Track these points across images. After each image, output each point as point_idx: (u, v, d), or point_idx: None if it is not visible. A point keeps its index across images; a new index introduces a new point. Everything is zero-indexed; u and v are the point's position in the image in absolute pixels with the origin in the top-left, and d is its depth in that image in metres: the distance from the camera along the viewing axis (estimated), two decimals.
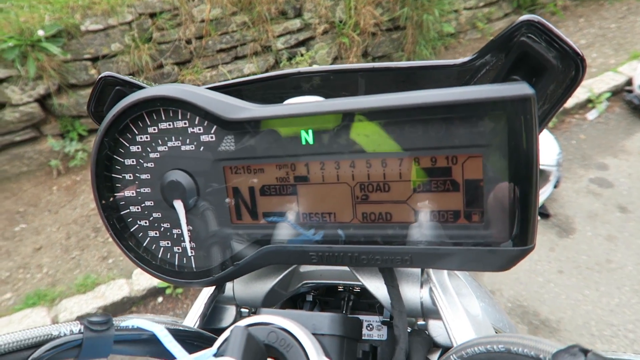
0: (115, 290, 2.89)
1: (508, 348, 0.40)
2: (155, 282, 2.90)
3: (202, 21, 4.38)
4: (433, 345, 0.60)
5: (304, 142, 0.52)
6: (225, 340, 0.45)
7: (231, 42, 4.57)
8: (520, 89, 0.43)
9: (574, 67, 0.46)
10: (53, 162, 4.13)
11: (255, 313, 0.73)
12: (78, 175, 4.20)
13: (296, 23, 4.82)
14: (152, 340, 0.46)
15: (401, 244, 0.51)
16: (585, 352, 0.32)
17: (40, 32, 3.74)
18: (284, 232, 0.56)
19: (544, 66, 0.47)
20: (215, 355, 0.44)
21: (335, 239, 0.54)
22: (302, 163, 0.53)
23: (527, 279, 2.87)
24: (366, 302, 0.76)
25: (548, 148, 3.00)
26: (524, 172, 0.45)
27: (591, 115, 4.42)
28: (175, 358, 0.43)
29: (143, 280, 2.92)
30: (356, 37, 4.96)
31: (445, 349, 0.60)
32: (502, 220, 0.47)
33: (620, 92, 4.56)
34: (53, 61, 3.87)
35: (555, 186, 3.13)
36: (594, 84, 4.61)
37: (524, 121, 0.43)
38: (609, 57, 5.16)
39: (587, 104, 4.53)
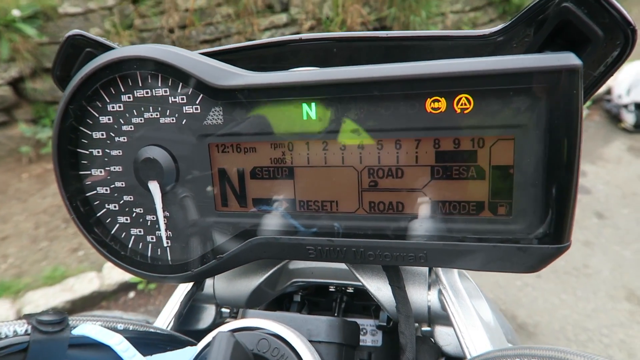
0: (84, 284, 2.76)
1: None
2: (127, 276, 2.78)
3: (187, 10, 4.25)
4: (441, 356, 0.53)
5: (305, 117, 0.45)
6: (206, 347, 0.37)
7: (215, 33, 4.45)
8: (566, 58, 0.37)
9: (622, 39, 0.40)
10: (24, 149, 3.96)
11: (237, 314, 0.65)
12: (50, 163, 4.02)
13: (282, 18, 4.72)
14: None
15: (415, 239, 0.44)
16: None
17: (16, 12, 3.56)
18: (277, 222, 0.49)
19: (586, 38, 0.41)
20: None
21: (337, 232, 0.47)
22: (301, 142, 0.46)
23: (505, 283, 2.86)
24: (360, 304, 0.69)
25: None
26: (565, 157, 0.38)
27: None
28: None
29: (115, 274, 2.79)
30: None
31: (454, 359, 0.53)
32: (534, 214, 0.41)
33: (600, 101, 4.63)
34: (28, 43, 3.70)
35: None
36: None
37: (569, 97, 0.37)
38: None
39: None
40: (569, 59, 0.37)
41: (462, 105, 0.41)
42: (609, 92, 4.58)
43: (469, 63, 0.39)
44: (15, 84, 3.90)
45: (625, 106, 4.21)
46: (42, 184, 3.86)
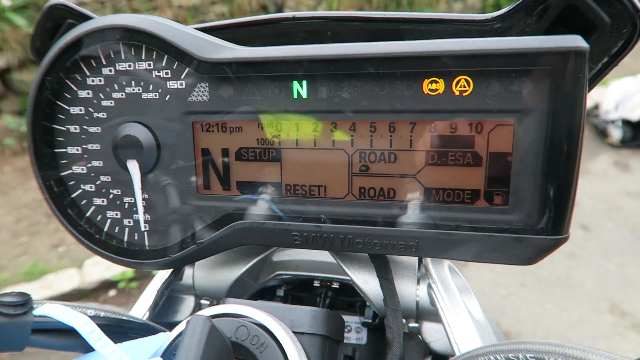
0: (64, 281, 2.69)
1: (540, 358, 0.32)
2: (107, 274, 2.71)
3: (180, 7, 4.22)
4: (428, 353, 0.51)
5: (295, 96, 0.42)
6: (181, 334, 0.34)
7: None
8: (573, 40, 0.35)
9: (629, 27, 0.39)
10: (8, 141, 3.87)
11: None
12: None
13: None
14: (76, 331, 0.35)
15: (406, 227, 0.42)
16: None
17: (6, 2, 3.50)
18: (261, 206, 0.46)
19: (592, 25, 0.39)
20: (167, 350, 0.34)
21: (324, 218, 0.44)
22: (290, 122, 0.44)
23: (490, 291, 2.86)
24: (345, 299, 0.67)
25: None
26: (567, 144, 0.37)
27: None
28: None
29: (96, 272, 2.73)
30: None
31: (441, 357, 0.51)
32: (532, 204, 0.39)
33: (588, 116, 4.69)
34: (17, 33, 3.63)
35: None
36: None
37: (574, 81, 0.35)
38: None
39: None
40: (576, 40, 0.35)
41: (461, 87, 0.39)
42: (596, 107, 4.64)
43: (471, 42, 0.37)
44: (2, 74, 3.83)
45: (613, 122, 4.27)
46: (25, 177, 3.78)
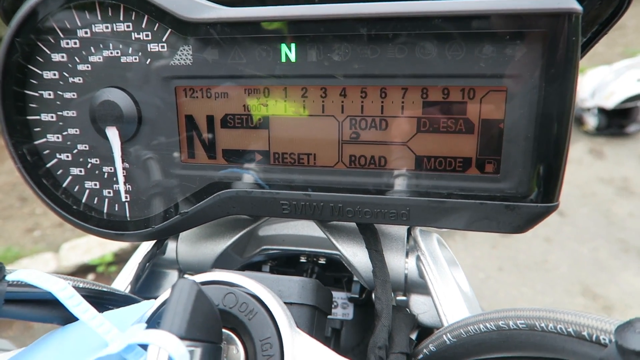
0: (40, 265, 2.62)
1: (531, 324, 0.31)
2: (85, 258, 2.66)
3: None
4: (416, 326, 0.50)
5: (283, 59, 0.41)
6: (166, 300, 0.33)
7: None
8: (566, 2, 0.34)
9: None
10: None
11: None
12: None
13: None
14: (57, 302, 0.33)
15: (397, 195, 0.41)
16: None
17: None
18: (249, 175, 0.45)
19: None
20: (151, 318, 0.33)
21: (313, 186, 0.43)
22: (278, 87, 0.42)
23: (469, 274, 2.90)
24: (332, 275, 0.66)
25: None
26: (559, 110, 0.36)
27: None
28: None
29: (72, 256, 2.67)
30: None
31: (428, 330, 0.51)
32: (524, 171, 0.38)
33: None
34: None
35: None
36: None
37: (567, 44, 0.35)
38: None
39: None
40: (569, 2, 0.34)
41: (453, 50, 0.38)
42: None
43: (464, 3, 0.36)
44: None
45: (589, 109, 4.36)
46: None
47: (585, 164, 4.07)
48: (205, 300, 0.30)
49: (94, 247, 2.68)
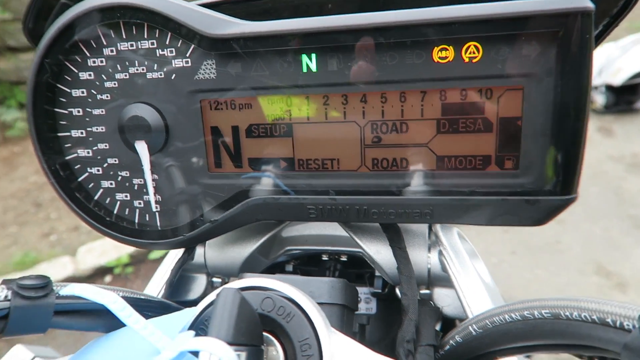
0: (58, 269, 2.67)
1: (556, 313, 0.33)
2: (102, 260, 2.70)
3: None
4: (440, 318, 0.52)
5: (304, 70, 0.42)
6: (208, 307, 0.35)
7: None
8: (579, 1, 0.35)
9: None
10: None
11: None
12: (17, 145, 3.85)
13: None
14: (103, 311, 0.35)
15: (420, 195, 0.43)
16: None
17: None
18: (275, 182, 0.47)
19: None
20: (194, 324, 0.34)
21: (338, 190, 0.45)
22: (301, 96, 0.43)
23: (482, 260, 2.92)
24: (354, 272, 0.68)
25: None
26: (575, 106, 0.37)
27: None
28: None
29: (89, 259, 2.72)
30: None
31: (452, 322, 0.53)
32: (542, 166, 0.40)
33: None
34: None
35: None
36: None
37: (581, 42, 0.36)
38: None
39: None
40: (581, 1, 0.35)
41: (470, 53, 0.39)
42: None
43: (478, 7, 0.37)
44: None
45: (596, 88, 4.31)
46: (9, 167, 3.70)
47: (594, 142, 4.04)
48: (247, 306, 0.31)
49: (109, 250, 2.72)
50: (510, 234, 3.14)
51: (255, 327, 0.32)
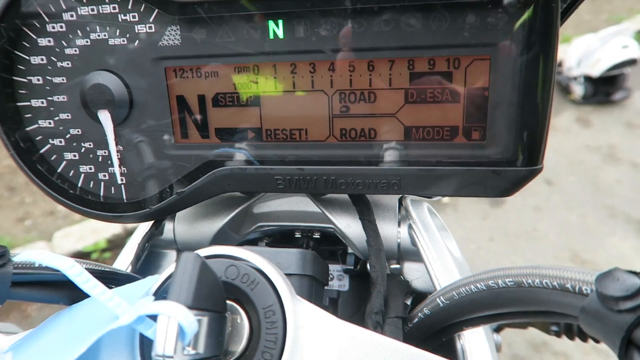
0: None
1: (519, 281, 0.33)
2: (79, 245, 2.66)
3: None
4: (410, 292, 0.52)
5: (271, 36, 0.41)
6: (171, 274, 0.34)
7: None
8: None
9: None
10: None
11: None
12: None
13: None
14: (64, 282, 0.34)
15: (388, 165, 0.42)
16: (636, 273, 0.26)
17: None
18: (242, 153, 0.46)
19: None
20: (158, 292, 0.34)
21: (306, 160, 0.44)
22: (268, 64, 0.42)
23: (461, 246, 2.96)
24: (326, 249, 0.68)
25: None
26: (541, 76, 0.37)
27: None
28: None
29: (66, 244, 2.67)
30: None
31: (422, 295, 0.53)
32: (508, 137, 0.40)
33: None
34: None
35: None
36: None
37: (547, 11, 0.36)
38: None
39: None
40: None
41: (437, 21, 0.38)
42: (560, 64, 4.74)
43: None
44: None
45: (575, 78, 4.37)
46: None
47: (572, 132, 4.11)
48: (209, 271, 0.31)
49: (87, 234, 2.68)
50: (489, 220, 3.19)
51: (218, 293, 0.32)
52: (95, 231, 2.65)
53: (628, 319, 0.25)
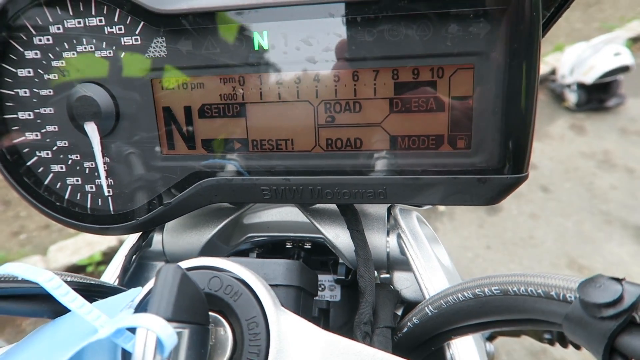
0: None
1: (504, 289, 0.33)
2: (74, 259, 2.64)
3: None
4: (400, 302, 0.52)
5: (256, 47, 0.41)
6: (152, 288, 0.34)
7: None
8: None
9: None
10: None
11: None
12: None
13: None
14: (46, 296, 0.34)
15: (374, 175, 0.43)
16: (619, 280, 0.26)
17: None
18: (229, 164, 0.46)
19: None
20: (140, 305, 0.33)
21: (292, 171, 0.44)
22: (253, 75, 0.43)
23: (457, 254, 2.96)
24: (318, 259, 0.68)
25: None
26: (524, 85, 0.38)
27: None
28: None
29: (61, 257, 2.65)
30: None
31: (412, 304, 0.53)
32: (493, 145, 0.40)
33: (545, 81, 4.82)
34: None
35: None
36: None
37: (530, 20, 0.36)
38: None
39: None
40: None
41: (421, 31, 0.39)
42: (553, 72, 4.78)
43: None
44: None
45: (569, 86, 4.41)
46: None
47: (567, 139, 4.13)
48: (189, 283, 0.31)
49: (82, 248, 2.66)
50: (486, 228, 3.19)
51: (200, 305, 0.32)
52: (90, 244, 2.64)
53: (611, 325, 0.24)
